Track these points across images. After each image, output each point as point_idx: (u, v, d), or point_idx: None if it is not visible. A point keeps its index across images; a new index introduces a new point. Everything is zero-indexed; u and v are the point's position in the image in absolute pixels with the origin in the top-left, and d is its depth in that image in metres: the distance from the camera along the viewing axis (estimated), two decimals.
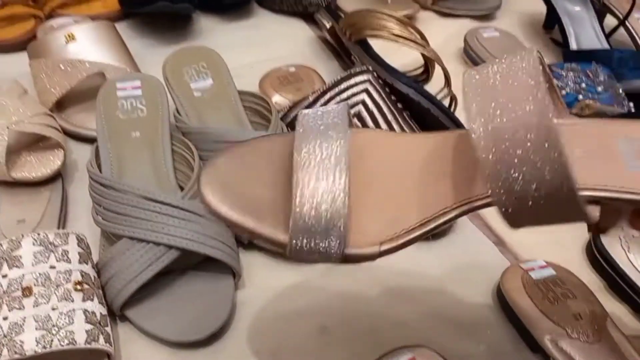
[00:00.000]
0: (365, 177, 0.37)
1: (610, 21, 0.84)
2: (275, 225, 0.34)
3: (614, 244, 0.53)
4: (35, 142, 0.60)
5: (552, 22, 0.89)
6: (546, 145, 0.29)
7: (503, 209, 0.32)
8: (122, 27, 0.77)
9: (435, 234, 0.55)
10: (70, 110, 0.67)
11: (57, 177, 0.59)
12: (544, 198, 0.30)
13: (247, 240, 0.54)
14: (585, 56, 0.73)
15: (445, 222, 0.35)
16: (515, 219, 0.32)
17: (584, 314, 0.48)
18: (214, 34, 0.82)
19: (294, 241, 0.33)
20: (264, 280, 0.52)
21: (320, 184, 0.33)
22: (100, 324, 0.44)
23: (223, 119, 0.60)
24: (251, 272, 0.53)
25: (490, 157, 0.31)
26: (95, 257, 0.50)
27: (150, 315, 0.48)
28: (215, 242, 0.49)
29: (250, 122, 0.60)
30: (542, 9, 0.91)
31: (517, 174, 0.30)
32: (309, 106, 0.60)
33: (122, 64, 0.67)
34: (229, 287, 0.50)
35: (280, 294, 0.51)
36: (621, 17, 0.82)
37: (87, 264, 0.47)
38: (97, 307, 0.45)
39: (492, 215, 0.59)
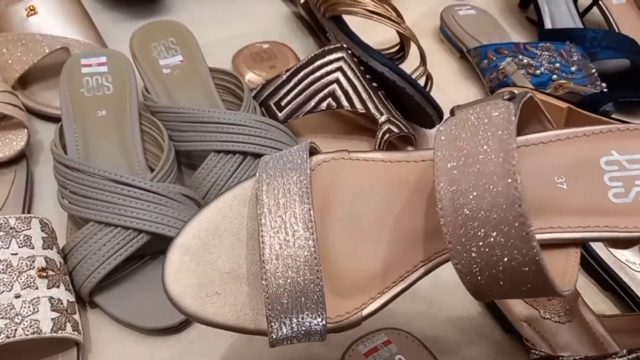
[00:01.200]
0: (332, 223, 0.33)
1: (584, 1, 0.84)
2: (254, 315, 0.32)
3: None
4: None
5: (527, 1, 0.88)
6: (514, 233, 0.27)
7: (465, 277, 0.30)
8: (86, 0, 0.74)
9: None
10: (34, 87, 0.64)
11: (21, 158, 0.57)
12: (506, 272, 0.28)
13: None
14: (560, 35, 0.73)
15: (426, 273, 0.32)
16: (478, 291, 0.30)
17: None
18: (186, 8, 0.79)
19: (274, 328, 0.31)
20: None
21: (290, 252, 0.30)
22: (67, 311, 0.43)
23: (194, 98, 0.58)
24: None
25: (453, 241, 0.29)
26: (62, 242, 0.48)
27: (121, 301, 0.47)
28: None
29: (222, 100, 0.59)
30: None
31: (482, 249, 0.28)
32: (282, 84, 0.58)
33: (88, 39, 0.64)
34: None
35: None
36: None
37: (51, 249, 0.45)
38: (63, 294, 0.43)
39: None
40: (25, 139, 0.56)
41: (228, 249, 0.33)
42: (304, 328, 0.31)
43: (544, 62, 0.67)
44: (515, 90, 0.33)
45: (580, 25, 0.79)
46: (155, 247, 0.49)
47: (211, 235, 0.34)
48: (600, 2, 0.81)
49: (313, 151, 0.36)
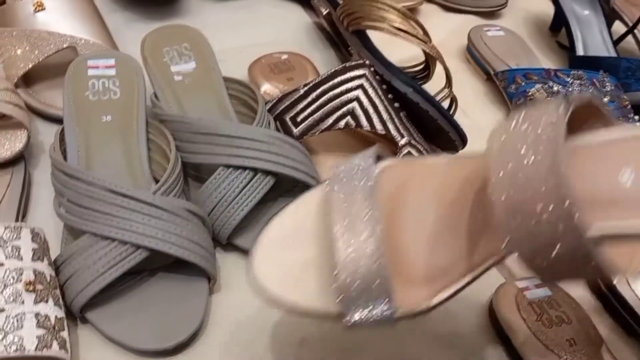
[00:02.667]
0: (402, 222, 0.37)
1: (618, 28, 0.81)
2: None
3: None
4: None
5: (558, 25, 0.85)
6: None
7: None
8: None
9: None
10: (38, 86, 0.61)
11: (19, 159, 0.54)
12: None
13: (225, 241, 0.49)
14: (592, 63, 0.70)
15: (493, 265, 0.34)
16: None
17: (578, 340, 0.46)
18: (203, 12, 0.76)
19: (347, 315, 0.34)
20: (243, 284, 0.48)
21: (357, 247, 0.34)
22: (54, 328, 0.40)
23: (205, 108, 0.55)
24: (229, 274, 0.49)
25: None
26: (57, 251, 0.45)
27: (114, 319, 0.43)
28: (189, 243, 0.44)
29: (236, 112, 0.56)
30: (549, 9, 0.87)
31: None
32: (299, 99, 0.55)
33: (97, 39, 0.61)
34: (203, 292, 0.46)
35: (257, 302, 0.47)
36: (630, 24, 0.79)
37: (42, 261, 0.42)
38: (51, 310, 0.40)
39: None
40: (24, 140, 0.54)
41: (308, 242, 0.38)
42: (373, 314, 0.34)
43: (575, 91, 0.63)
44: None
45: (613, 54, 0.75)
46: (154, 264, 0.46)
47: (292, 230, 0.39)
48: (635, 31, 0.78)
49: (380, 157, 0.40)
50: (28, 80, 0.61)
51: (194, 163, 0.51)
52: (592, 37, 0.76)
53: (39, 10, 0.62)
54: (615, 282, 0.49)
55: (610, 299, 0.50)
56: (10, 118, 0.54)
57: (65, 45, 0.60)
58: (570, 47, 0.76)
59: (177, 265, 0.46)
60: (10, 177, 0.53)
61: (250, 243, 0.48)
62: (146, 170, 0.50)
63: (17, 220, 0.50)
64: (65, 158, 0.49)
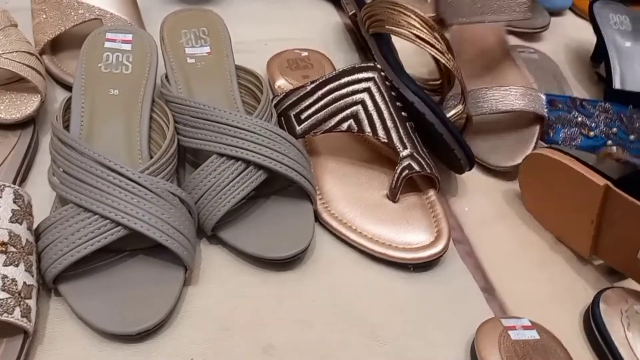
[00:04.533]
0: None
1: None
2: None
3: (613, 316, 0.47)
4: (13, 82, 0.55)
5: (601, 55, 0.81)
6: None
7: None
8: None
9: (416, 266, 0.50)
10: (63, 54, 0.63)
11: (29, 123, 0.55)
12: None
13: (210, 232, 0.48)
14: (627, 97, 0.65)
15: None
16: None
17: None
18: (237, 2, 0.76)
19: None
20: (219, 280, 0.47)
21: None
22: (20, 294, 0.39)
23: (212, 94, 0.54)
24: (208, 268, 0.48)
25: None
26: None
27: (84, 296, 0.43)
28: (168, 228, 0.43)
29: (243, 102, 0.55)
30: (592, 38, 0.83)
31: None
32: (305, 96, 0.54)
33: (124, 15, 0.62)
34: (177, 281, 0.45)
35: (232, 300, 0.46)
36: None
37: (20, 224, 0.42)
38: (20, 275, 0.40)
39: (487, 257, 0.53)
40: (36, 104, 0.54)
41: None
42: None
43: (600, 124, 0.59)
44: None
45: None
46: (137, 244, 0.45)
47: None
48: None
49: None
50: (55, 47, 0.62)
51: (192, 148, 0.51)
52: (632, 71, 0.72)
53: None
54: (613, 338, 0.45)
55: (607, 356, 0.46)
56: (28, 81, 0.55)
57: (92, 17, 0.61)
58: (607, 80, 0.72)
59: (157, 250, 0.45)
60: (17, 139, 0.54)
61: (236, 238, 0.48)
62: (144, 148, 0.50)
63: (14, 183, 0.50)
64: (67, 126, 0.49)
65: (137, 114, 0.51)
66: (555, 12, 0.91)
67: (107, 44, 0.54)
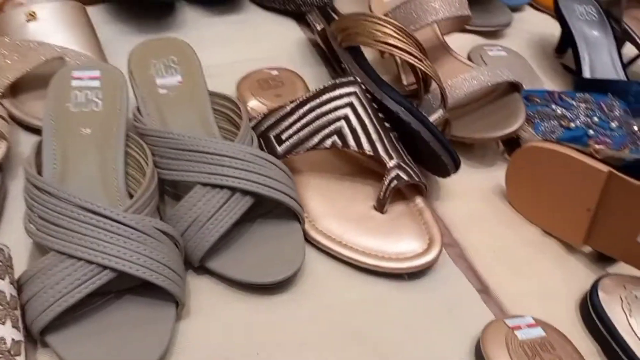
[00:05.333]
0: None
1: (629, 50, 0.78)
2: None
3: (613, 303, 0.47)
4: None
5: (565, 46, 0.82)
6: None
7: None
8: (95, 10, 0.71)
9: (411, 274, 0.49)
10: (25, 96, 0.60)
11: None
12: None
13: (197, 264, 0.47)
14: (599, 86, 0.67)
15: None
16: None
17: None
18: (197, 26, 0.75)
19: None
20: (212, 311, 0.46)
21: None
22: (10, 352, 0.38)
23: (188, 123, 0.53)
24: (198, 299, 0.46)
25: None
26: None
27: (74, 343, 0.41)
28: (158, 266, 0.42)
29: (220, 128, 0.54)
30: (555, 31, 0.84)
31: None
32: (285, 116, 0.53)
33: (87, 51, 0.60)
34: (169, 318, 0.43)
35: (227, 330, 0.45)
36: None
37: (3, 279, 0.40)
38: (8, 332, 0.38)
39: (479, 258, 0.53)
40: (2, 151, 0.52)
41: None
42: None
43: (580, 114, 0.60)
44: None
45: (623, 77, 0.72)
46: (122, 285, 0.44)
47: None
48: None
49: None
50: (15, 90, 0.60)
51: (171, 180, 0.49)
52: (600, 60, 0.73)
53: (31, 20, 0.61)
54: (616, 326, 0.46)
55: (610, 344, 0.46)
56: None
57: (54, 56, 0.59)
58: (577, 70, 0.74)
59: (144, 287, 0.44)
60: None
61: (224, 267, 0.47)
62: (121, 186, 0.48)
63: None
64: (40, 170, 0.48)
65: (111, 151, 0.50)
66: (516, 9, 0.93)
67: (75, 83, 0.52)
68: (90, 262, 0.41)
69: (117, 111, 0.52)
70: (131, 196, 0.48)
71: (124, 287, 0.44)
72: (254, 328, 0.45)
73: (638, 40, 0.78)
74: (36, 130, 0.57)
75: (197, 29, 0.74)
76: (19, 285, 0.42)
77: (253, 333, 0.45)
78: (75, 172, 0.48)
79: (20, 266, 0.43)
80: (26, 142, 0.57)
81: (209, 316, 0.45)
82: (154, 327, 0.43)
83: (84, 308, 0.43)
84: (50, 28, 0.60)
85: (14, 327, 0.39)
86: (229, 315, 0.46)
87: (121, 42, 0.68)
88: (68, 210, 0.42)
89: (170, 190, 0.52)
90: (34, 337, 0.41)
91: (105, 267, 0.41)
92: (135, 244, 0.42)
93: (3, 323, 0.38)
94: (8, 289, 0.40)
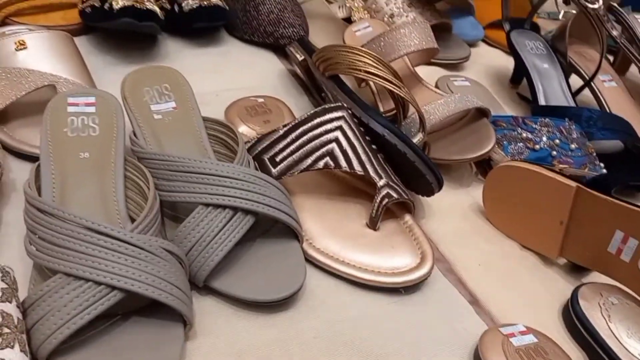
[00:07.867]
0: None
1: (574, 81, 0.86)
2: None
3: (593, 310, 0.51)
4: None
5: (519, 77, 0.90)
6: None
7: None
8: (81, 41, 0.72)
9: (407, 288, 0.52)
10: (14, 123, 0.60)
11: None
12: None
13: (202, 283, 0.48)
14: (554, 112, 0.73)
15: None
16: None
17: None
18: (180, 57, 0.77)
19: None
20: (217, 330, 0.47)
21: None
22: None
23: (184, 146, 0.55)
24: (204, 319, 0.47)
25: None
26: (24, 294, 0.43)
27: None
28: (166, 285, 0.43)
29: (214, 152, 0.56)
30: (508, 64, 0.92)
31: None
32: (278, 139, 0.55)
33: (77, 79, 0.61)
34: (178, 339, 0.44)
35: (235, 349, 0.45)
36: (587, 77, 0.84)
37: (10, 302, 0.40)
38: (17, 356, 0.38)
39: (466, 272, 0.56)
40: None
41: None
42: None
43: (543, 137, 0.66)
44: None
45: (573, 104, 0.80)
46: (128, 307, 0.44)
47: None
48: (592, 84, 0.83)
49: None
50: (5, 117, 0.60)
51: (171, 202, 0.50)
52: (552, 89, 0.81)
53: (20, 49, 0.62)
54: (599, 331, 0.49)
55: (594, 348, 0.50)
56: None
57: (45, 83, 0.59)
58: (533, 98, 0.80)
59: (151, 309, 0.44)
60: None
61: (228, 286, 0.48)
62: (122, 209, 0.49)
63: None
64: (39, 194, 0.48)
65: (110, 174, 0.51)
66: (472, 44, 1.00)
67: (70, 109, 0.53)
68: (98, 283, 0.41)
69: (114, 135, 0.52)
70: (132, 219, 0.49)
71: (131, 308, 0.44)
72: (261, 347, 0.46)
73: (582, 72, 0.86)
74: (26, 157, 0.57)
75: (180, 60, 0.76)
76: (23, 309, 0.41)
77: (261, 352, 0.46)
78: (75, 196, 0.49)
79: None
80: (16, 169, 0.56)
81: (215, 336, 0.46)
82: (162, 350, 0.43)
83: (92, 331, 0.43)
84: (40, 56, 0.61)
85: (22, 351, 0.38)
86: (235, 335, 0.46)
87: (107, 71, 0.69)
88: (74, 231, 0.42)
89: (169, 213, 0.53)
90: None
91: (114, 288, 0.41)
92: (143, 264, 0.42)
93: (12, 347, 0.38)
94: (15, 313, 0.40)
